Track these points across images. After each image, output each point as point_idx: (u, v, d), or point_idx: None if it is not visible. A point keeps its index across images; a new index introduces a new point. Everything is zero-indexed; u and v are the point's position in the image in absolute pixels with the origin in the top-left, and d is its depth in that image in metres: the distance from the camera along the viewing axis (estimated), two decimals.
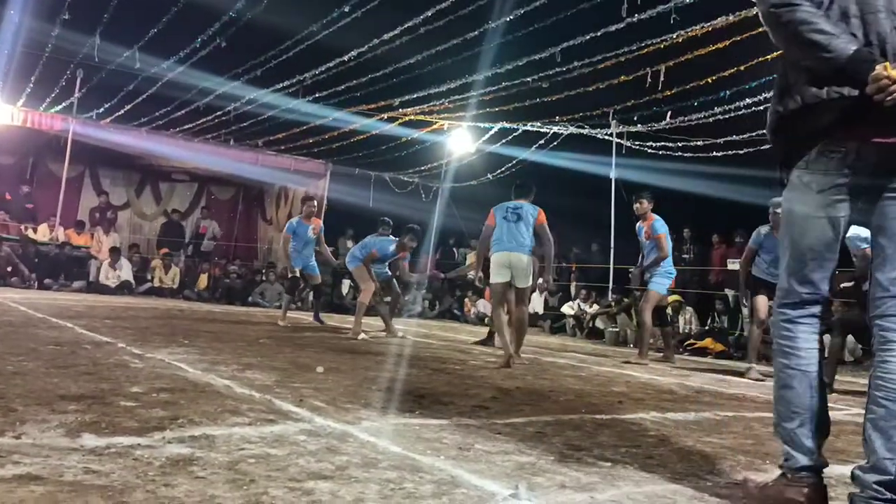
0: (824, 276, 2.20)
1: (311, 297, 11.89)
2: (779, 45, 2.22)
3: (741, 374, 7.16)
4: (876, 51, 2.02)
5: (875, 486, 1.95)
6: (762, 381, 6.78)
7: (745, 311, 8.98)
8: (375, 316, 9.97)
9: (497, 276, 6.68)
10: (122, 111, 13.73)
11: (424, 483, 2.19)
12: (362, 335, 8.12)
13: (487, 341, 8.77)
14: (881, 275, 2.08)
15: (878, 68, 1.92)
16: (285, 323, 9.45)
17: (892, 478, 1.93)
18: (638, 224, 8.46)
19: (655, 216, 8.23)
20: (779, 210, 6.58)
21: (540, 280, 7.44)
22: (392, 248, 8.80)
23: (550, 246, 6.92)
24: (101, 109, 13.93)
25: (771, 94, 2.35)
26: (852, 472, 2.07)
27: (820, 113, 2.06)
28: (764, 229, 7.08)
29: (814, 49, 2.03)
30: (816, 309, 2.22)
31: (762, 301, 7.19)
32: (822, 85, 2.04)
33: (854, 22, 2.05)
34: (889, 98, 1.90)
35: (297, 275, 9.95)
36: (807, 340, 2.21)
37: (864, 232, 2.21)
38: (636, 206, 8.39)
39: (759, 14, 2.20)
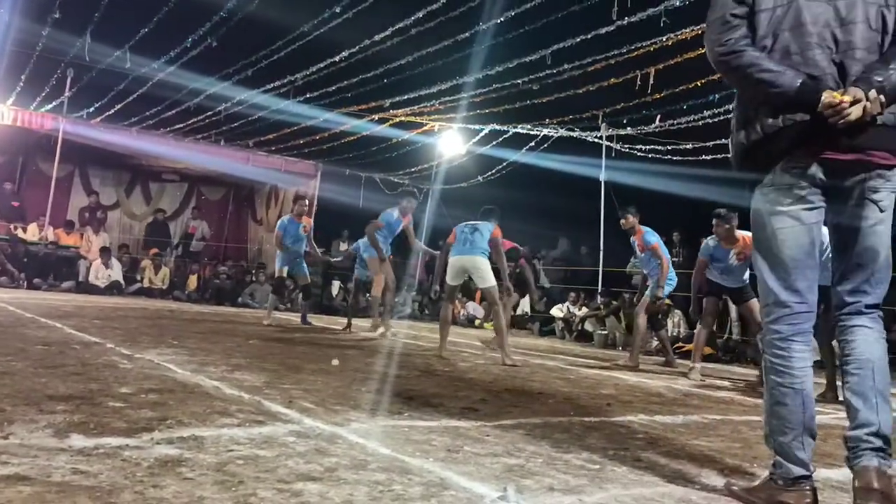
0: (809, 284, 2.33)
1: (299, 299, 11.88)
2: (733, 87, 2.47)
3: (685, 375, 7.20)
4: (820, 80, 2.23)
5: (865, 437, 2.19)
6: (703, 381, 6.81)
7: (737, 317, 9.00)
8: (365, 317, 10.02)
9: (449, 279, 7.28)
10: (112, 111, 13.67)
11: (413, 485, 2.19)
12: (381, 329, 8.57)
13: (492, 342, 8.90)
14: (839, 287, 2.36)
15: (828, 96, 2.16)
16: (270, 322, 9.44)
17: (876, 427, 2.19)
18: (631, 238, 8.50)
19: (645, 228, 8.23)
20: (724, 223, 6.80)
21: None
22: (396, 214, 9.12)
23: (501, 258, 7.23)
24: (92, 109, 13.88)
25: None
26: (843, 437, 2.27)
27: (778, 140, 2.28)
28: (712, 241, 7.14)
29: (764, 86, 2.27)
30: (808, 324, 2.34)
31: (712, 303, 7.28)
32: (777, 115, 2.28)
33: (795, 58, 2.29)
34: (843, 120, 2.14)
35: (284, 275, 9.95)
36: (800, 359, 2.31)
37: None
38: (622, 222, 8.40)
39: (711, 62, 2.41)
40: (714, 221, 6.94)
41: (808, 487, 2.25)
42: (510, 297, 8.13)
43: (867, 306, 2.32)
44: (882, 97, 2.16)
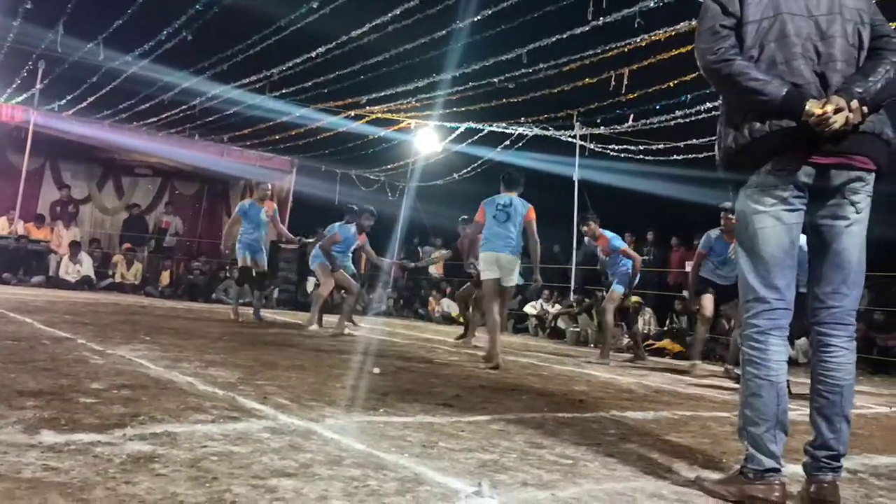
0: (788, 283, 2.43)
1: (273, 295, 11.74)
2: (722, 94, 2.58)
3: (686, 372, 7.29)
4: (804, 89, 2.35)
5: (824, 459, 2.39)
6: (706, 377, 6.90)
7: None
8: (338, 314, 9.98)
9: (488, 272, 6.60)
10: (84, 103, 13.49)
11: (388, 480, 2.20)
12: (314, 326, 8.16)
13: (466, 335, 8.85)
14: (818, 289, 2.47)
15: (815, 107, 2.26)
16: (236, 317, 9.18)
17: (836, 452, 2.39)
18: (587, 240, 8.60)
19: (608, 234, 8.36)
20: (731, 215, 6.87)
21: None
22: (352, 230, 8.91)
23: (536, 244, 6.78)
24: (64, 101, 13.69)
25: None
26: (805, 448, 2.46)
27: (765, 144, 2.37)
28: (714, 233, 7.22)
29: (752, 94, 2.37)
30: (785, 321, 2.44)
31: (709, 300, 7.39)
32: (765, 120, 2.39)
33: (781, 68, 2.40)
34: (828, 128, 2.25)
35: (248, 264, 9.47)
36: (776, 353, 2.41)
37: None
38: (584, 228, 8.52)
39: (702, 71, 2.52)
40: (721, 214, 7.06)
41: (777, 481, 2.33)
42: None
43: (847, 314, 2.44)
44: (864, 108, 2.28)
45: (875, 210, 2.45)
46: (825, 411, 2.41)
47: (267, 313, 11.31)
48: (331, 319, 9.18)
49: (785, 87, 2.32)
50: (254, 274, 9.52)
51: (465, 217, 9.06)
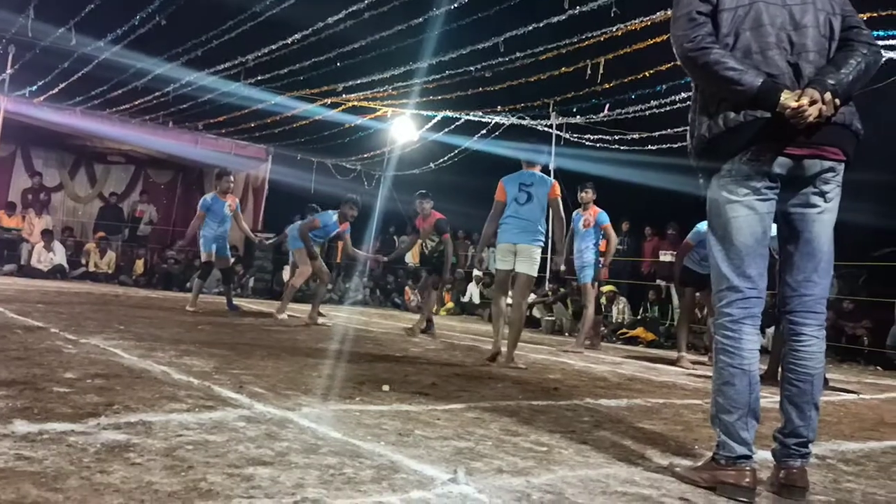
0: (760, 272, 2.45)
1: (249, 284, 11.67)
2: (697, 82, 2.56)
3: (672, 363, 7.39)
4: (779, 80, 2.37)
5: (794, 446, 2.44)
6: (693, 369, 7.00)
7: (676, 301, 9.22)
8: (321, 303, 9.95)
9: (501, 263, 6.14)
10: (56, 90, 13.28)
11: (364, 468, 2.21)
12: (284, 315, 8.01)
13: (428, 328, 8.70)
14: (789, 277, 2.50)
15: (790, 100, 2.28)
16: (195, 308, 8.88)
17: (805, 439, 2.44)
18: (576, 213, 8.60)
19: (598, 208, 8.43)
20: None
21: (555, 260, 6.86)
22: (334, 218, 8.78)
23: (562, 224, 6.19)
24: (35, 87, 13.46)
25: None
26: (774, 435, 2.51)
27: (740, 134, 2.38)
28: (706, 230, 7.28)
29: (728, 83, 2.37)
30: (758, 309, 2.46)
31: (691, 294, 7.51)
32: (739, 110, 2.38)
33: (756, 58, 2.42)
34: (802, 120, 2.27)
35: (212, 259, 9.33)
36: (749, 341, 2.44)
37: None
38: (583, 194, 8.55)
39: (678, 58, 2.51)
40: None
41: (748, 467, 2.36)
42: (439, 288, 8.14)
43: (818, 302, 2.48)
44: (836, 100, 2.30)
45: (842, 199, 2.49)
46: (795, 399, 2.45)
47: (242, 302, 11.25)
48: (301, 308, 9.14)
49: (760, 77, 2.33)
50: (238, 269, 9.35)
51: (424, 191, 8.79)
